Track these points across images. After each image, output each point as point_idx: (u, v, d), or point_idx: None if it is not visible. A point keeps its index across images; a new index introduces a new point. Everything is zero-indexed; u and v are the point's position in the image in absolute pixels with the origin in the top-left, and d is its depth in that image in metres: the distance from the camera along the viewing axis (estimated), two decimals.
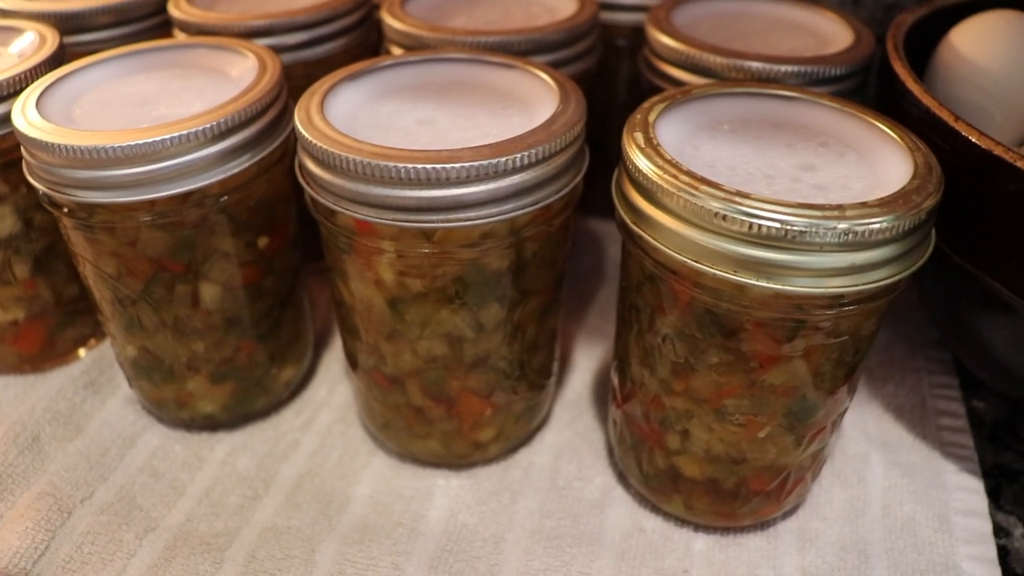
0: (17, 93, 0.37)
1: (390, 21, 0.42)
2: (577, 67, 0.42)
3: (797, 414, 0.32)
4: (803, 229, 0.26)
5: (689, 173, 0.28)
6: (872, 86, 0.43)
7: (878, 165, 0.31)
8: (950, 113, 0.34)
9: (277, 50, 0.41)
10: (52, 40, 0.40)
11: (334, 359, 0.46)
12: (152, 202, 0.33)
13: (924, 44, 0.44)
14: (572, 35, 0.41)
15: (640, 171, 0.30)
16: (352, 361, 0.38)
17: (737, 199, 0.27)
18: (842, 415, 0.34)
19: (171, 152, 0.32)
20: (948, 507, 0.37)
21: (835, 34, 0.42)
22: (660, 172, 0.29)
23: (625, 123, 0.32)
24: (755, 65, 0.38)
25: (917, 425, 0.42)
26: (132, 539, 0.36)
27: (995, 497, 0.38)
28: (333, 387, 0.44)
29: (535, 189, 0.31)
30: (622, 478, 0.39)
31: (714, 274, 0.28)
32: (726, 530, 0.37)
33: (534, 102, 0.35)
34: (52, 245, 0.42)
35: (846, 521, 0.37)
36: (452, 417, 0.37)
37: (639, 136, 0.31)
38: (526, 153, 0.30)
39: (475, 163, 0.29)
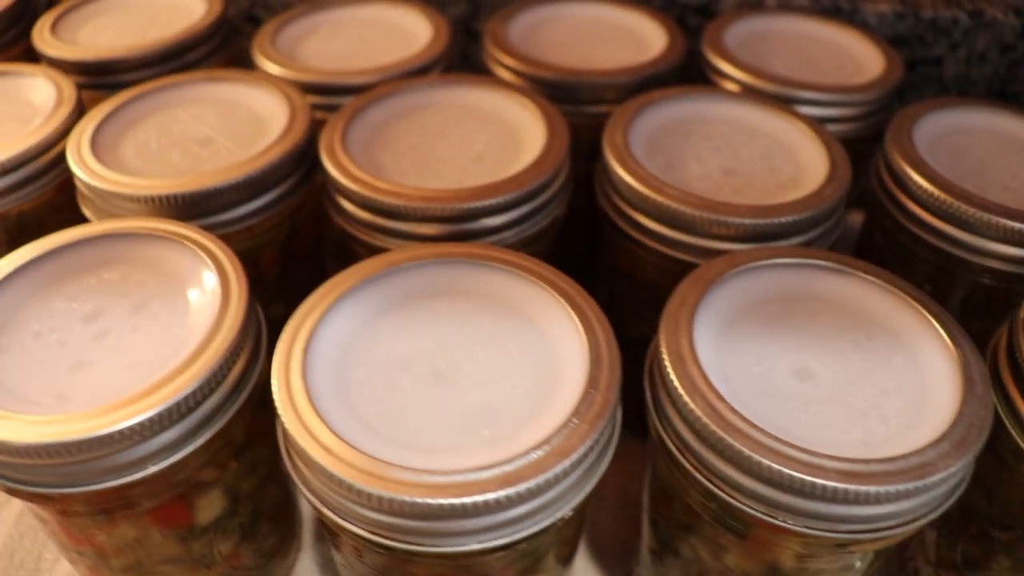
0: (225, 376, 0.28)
1: (634, 184, 0.35)
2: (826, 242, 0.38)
3: None
4: None
5: None
6: None
7: None
8: None
9: (465, 235, 0.34)
10: (238, 289, 0.30)
11: None
12: None
13: None
14: (835, 206, 0.36)
15: None
16: None
17: None
18: None
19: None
20: None
21: None
22: None
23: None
24: None
25: None
26: None
27: None
28: None
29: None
30: None
31: None
32: None
33: (891, 323, 0.31)
34: (258, 507, 0.34)
35: None
36: None
37: None
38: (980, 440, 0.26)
39: (949, 471, 0.25)
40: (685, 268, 0.36)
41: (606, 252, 0.40)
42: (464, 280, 0.31)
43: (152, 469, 0.27)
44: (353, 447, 0.25)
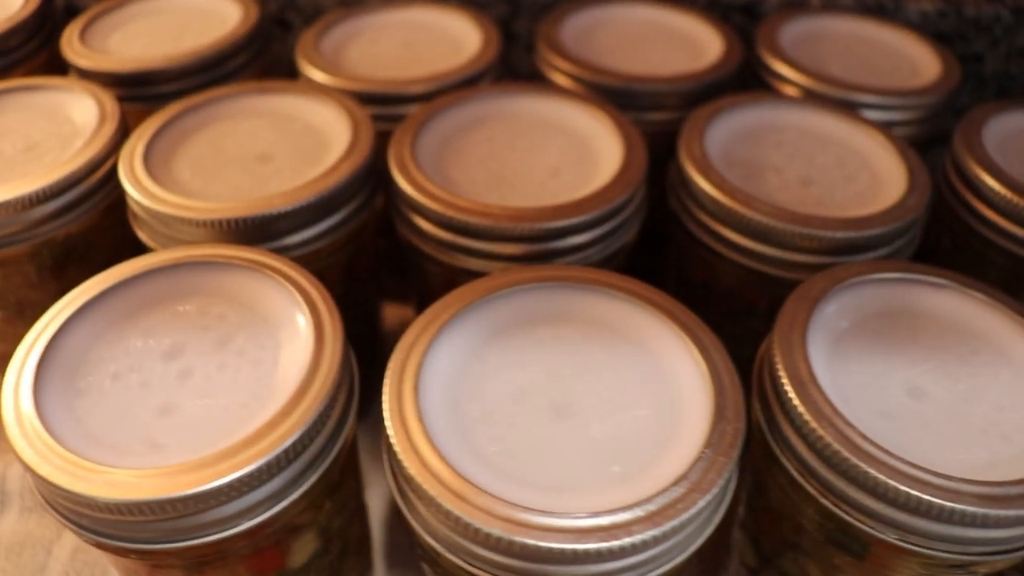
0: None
1: (719, 197, 0.34)
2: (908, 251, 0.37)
3: None
4: None
5: None
6: None
7: None
8: None
9: (549, 254, 0.33)
10: (330, 321, 0.28)
11: None
12: None
13: None
14: (919, 216, 0.36)
15: None
16: None
17: None
18: None
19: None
20: None
21: None
22: None
23: None
24: None
25: None
26: None
27: None
28: None
29: None
30: None
31: None
32: None
33: (992, 336, 0.30)
34: (346, 543, 0.32)
35: None
36: None
37: None
38: None
39: None
40: (765, 279, 0.36)
41: (680, 262, 0.39)
42: (567, 305, 0.30)
43: (255, 520, 0.26)
44: (485, 492, 0.24)
